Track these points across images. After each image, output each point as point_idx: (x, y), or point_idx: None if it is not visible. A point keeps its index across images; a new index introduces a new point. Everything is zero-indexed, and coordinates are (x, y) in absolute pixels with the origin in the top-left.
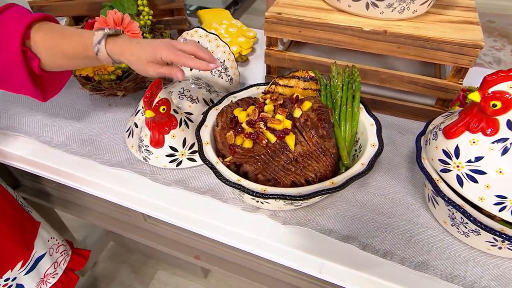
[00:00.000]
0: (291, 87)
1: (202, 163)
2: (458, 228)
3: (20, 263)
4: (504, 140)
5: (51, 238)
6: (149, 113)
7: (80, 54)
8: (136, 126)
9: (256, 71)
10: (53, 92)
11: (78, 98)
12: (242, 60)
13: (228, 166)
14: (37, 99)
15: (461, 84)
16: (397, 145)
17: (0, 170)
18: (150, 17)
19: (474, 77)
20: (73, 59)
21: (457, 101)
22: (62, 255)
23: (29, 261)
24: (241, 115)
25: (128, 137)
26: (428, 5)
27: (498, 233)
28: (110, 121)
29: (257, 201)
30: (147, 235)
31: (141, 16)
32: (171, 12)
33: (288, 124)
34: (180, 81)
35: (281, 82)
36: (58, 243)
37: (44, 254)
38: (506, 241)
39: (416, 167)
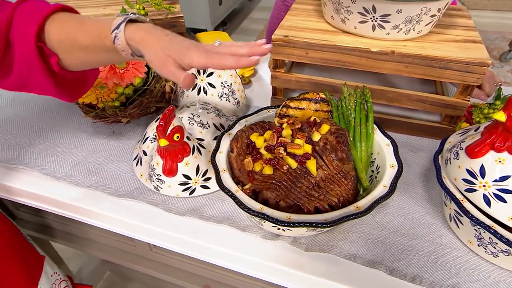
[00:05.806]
0: (302, 109)
1: (215, 190)
2: (485, 249)
3: None
4: None
5: (54, 273)
6: (163, 142)
7: (97, 45)
8: (145, 154)
9: (259, 92)
10: (80, 92)
11: (80, 126)
12: (244, 82)
13: (246, 194)
14: (61, 99)
15: (469, 101)
16: (409, 163)
17: None
18: None
19: None
20: (92, 52)
21: (463, 117)
22: None
23: None
24: (258, 141)
25: (137, 165)
26: (432, 25)
27: None
28: (115, 149)
29: (278, 228)
30: (153, 266)
31: None
32: None
33: (308, 148)
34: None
35: (292, 104)
36: (61, 278)
37: None
38: None
39: (432, 186)
